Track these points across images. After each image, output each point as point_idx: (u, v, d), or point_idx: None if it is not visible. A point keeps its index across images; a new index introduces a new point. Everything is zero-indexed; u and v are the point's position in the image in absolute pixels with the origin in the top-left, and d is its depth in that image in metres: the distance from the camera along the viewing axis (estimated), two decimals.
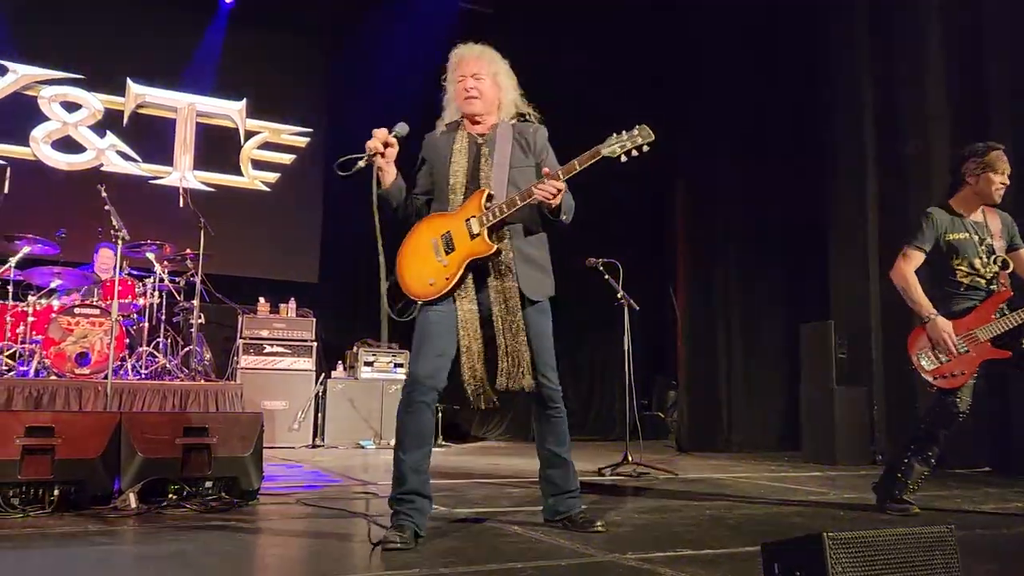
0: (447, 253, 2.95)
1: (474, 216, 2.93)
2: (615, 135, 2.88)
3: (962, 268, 3.60)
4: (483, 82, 3.09)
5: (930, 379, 3.53)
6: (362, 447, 7.20)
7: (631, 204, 9.46)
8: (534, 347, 2.99)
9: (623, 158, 2.86)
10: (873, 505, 3.73)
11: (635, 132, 2.87)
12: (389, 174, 2.96)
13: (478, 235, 2.92)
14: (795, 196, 7.61)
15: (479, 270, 2.97)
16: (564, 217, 3.00)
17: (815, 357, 6.65)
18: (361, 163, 2.90)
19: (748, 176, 7.98)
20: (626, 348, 5.63)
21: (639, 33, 8.72)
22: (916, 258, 3.63)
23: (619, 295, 5.59)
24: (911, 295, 3.61)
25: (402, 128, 2.95)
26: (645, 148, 2.85)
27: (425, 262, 2.97)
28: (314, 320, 7.53)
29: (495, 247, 2.93)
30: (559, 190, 2.86)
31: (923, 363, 3.55)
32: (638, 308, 5.59)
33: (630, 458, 5.39)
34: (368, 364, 7.56)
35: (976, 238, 3.62)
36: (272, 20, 8.87)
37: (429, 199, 3.12)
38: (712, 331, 8.18)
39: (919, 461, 3.61)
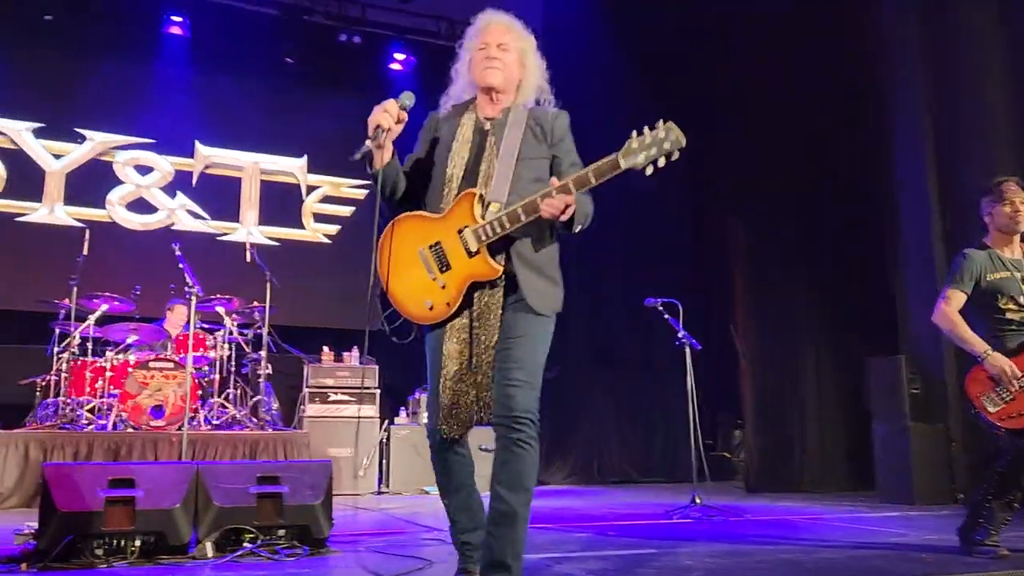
0: (442, 270, 2.54)
1: (468, 227, 2.50)
2: (635, 137, 2.40)
3: (1010, 306, 3.56)
4: (508, 54, 2.66)
5: (996, 421, 3.42)
6: (427, 493, 7.21)
7: (683, 238, 9.42)
8: (512, 351, 2.48)
9: (649, 169, 2.38)
10: (958, 547, 3.59)
11: (659, 134, 2.37)
12: (388, 151, 2.56)
13: (477, 253, 2.49)
14: (858, 229, 7.48)
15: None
16: (578, 228, 2.56)
17: (886, 393, 6.46)
18: (370, 144, 2.52)
19: (807, 208, 7.88)
20: (689, 388, 5.58)
21: (692, 69, 8.74)
22: (958, 299, 3.61)
23: (680, 335, 5.57)
24: (959, 334, 3.56)
25: (410, 98, 2.57)
26: (676, 155, 2.37)
27: (416, 277, 2.58)
28: (377, 367, 7.64)
29: (501, 270, 2.51)
30: (568, 205, 2.42)
31: (987, 406, 3.43)
32: (700, 347, 5.55)
33: (698, 500, 5.30)
34: None
35: (1018, 275, 3.59)
36: (330, 79, 9.22)
37: (425, 184, 2.71)
38: (777, 368, 8.02)
39: (1000, 506, 3.47)
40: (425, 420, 7.43)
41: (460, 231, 2.52)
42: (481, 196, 2.53)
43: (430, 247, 2.56)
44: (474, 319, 2.53)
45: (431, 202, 2.65)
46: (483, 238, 2.48)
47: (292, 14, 8.72)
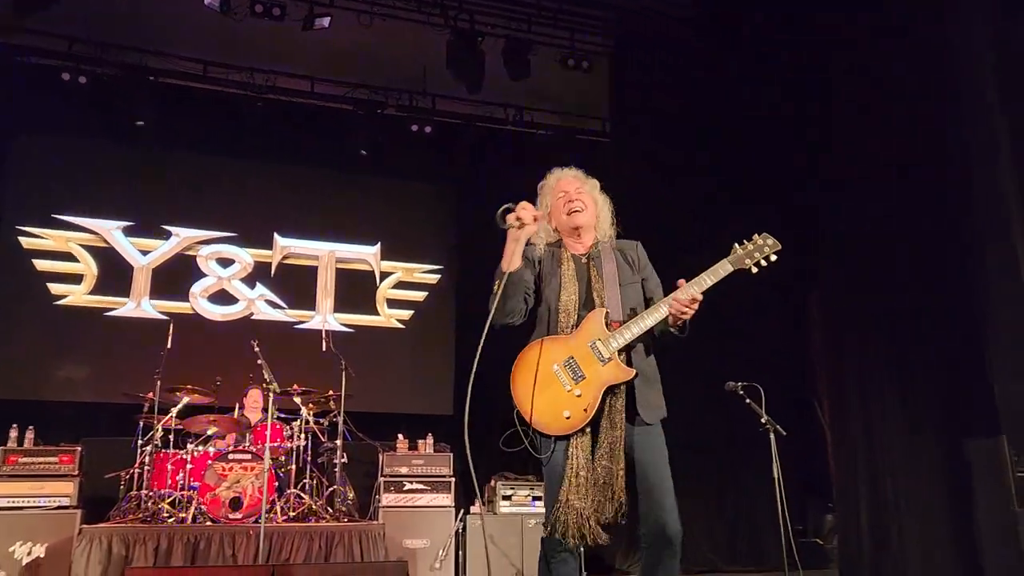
0: (576, 381, 2.79)
1: (599, 339, 2.81)
2: (738, 247, 2.92)
3: None
4: (586, 197, 3.08)
5: None
6: None
7: (762, 318, 9.17)
8: (654, 479, 2.77)
9: (753, 269, 2.88)
10: None
11: (758, 242, 2.91)
12: (519, 255, 2.85)
13: (610, 360, 2.80)
14: (945, 299, 7.15)
15: None
16: (686, 332, 2.88)
17: (988, 477, 6.06)
18: (509, 217, 2.81)
19: (890, 281, 7.58)
20: (776, 476, 5.32)
21: (766, 146, 8.64)
22: None
23: (763, 420, 5.35)
24: None
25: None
26: (773, 257, 2.89)
27: (552, 393, 2.80)
28: (451, 455, 7.56)
29: (634, 371, 2.81)
30: (695, 301, 2.78)
31: None
32: (785, 433, 5.31)
33: None
34: (506, 498, 7.46)
35: None
36: (402, 169, 9.46)
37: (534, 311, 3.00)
38: (868, 450, 7.62)
39: None
40: (501, 509, 7.37)
41: (591, 343, 2.82)
42: (608, 313, 2.86)
43: (564, 362, 2.82)
44: (602, 420, 2.77)
45: (547, 330, 2.91)
46: (615, 345, 2.80)
47: (366, 108, 9.04)
